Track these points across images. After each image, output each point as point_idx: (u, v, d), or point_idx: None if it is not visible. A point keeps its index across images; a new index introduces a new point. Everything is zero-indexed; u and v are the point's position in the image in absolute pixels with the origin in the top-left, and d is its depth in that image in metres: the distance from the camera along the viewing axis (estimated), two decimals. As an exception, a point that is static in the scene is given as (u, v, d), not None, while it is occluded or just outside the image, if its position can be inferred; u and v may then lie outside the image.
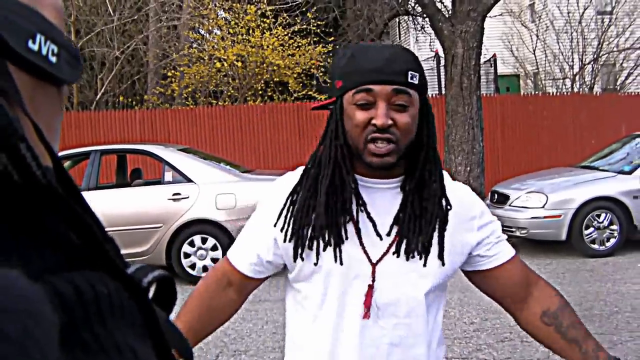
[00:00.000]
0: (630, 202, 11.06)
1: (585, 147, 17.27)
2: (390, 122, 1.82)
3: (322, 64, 20.68)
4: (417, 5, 17.46)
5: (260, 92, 19.76)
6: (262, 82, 19.64)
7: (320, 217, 1.90)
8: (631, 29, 22.21)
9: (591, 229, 10.94)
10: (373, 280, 1.92)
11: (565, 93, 20.09)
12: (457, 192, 2.05)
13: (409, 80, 1.86)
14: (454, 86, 14.42)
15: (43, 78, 0.63)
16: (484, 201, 12.15)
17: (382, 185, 1.95)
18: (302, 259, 1.96)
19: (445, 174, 2.02)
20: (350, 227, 1.92)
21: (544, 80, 23.89)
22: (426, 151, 1.93)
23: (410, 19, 22.56)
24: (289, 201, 2.01)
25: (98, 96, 18.90)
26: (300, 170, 2.11)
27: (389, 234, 1.93)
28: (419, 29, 22.34)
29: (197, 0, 19.87)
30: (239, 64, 18.83)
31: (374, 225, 1.91)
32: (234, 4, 19.77)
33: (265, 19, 19.61)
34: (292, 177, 2.11)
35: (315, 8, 21.61)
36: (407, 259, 1.92)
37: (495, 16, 19.54)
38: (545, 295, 2.18)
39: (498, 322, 7.48)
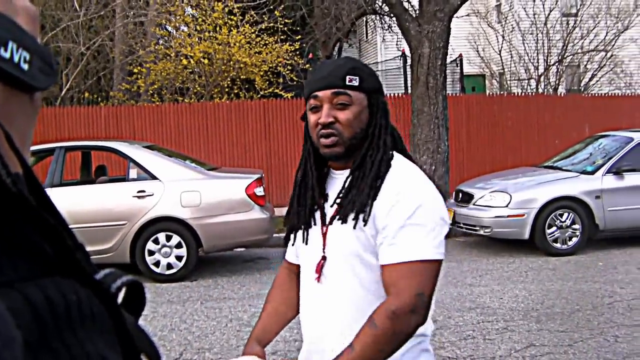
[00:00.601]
0: (592, 201, 11.20)
1: (549, 147, 17.42)
2: (331, 119, 2.23)
3: (288, 62, 20.65)
4: (384, 4, 17.51)
5: (226, 90, 19.68)
6: (229, 79, 19.57)
7: (292, 206, 2.40)
8: (595, 31, 22.44)
9: (554, 228, 11.06)
10: (324, 248, 2.31)
11: (530, 93, 20.27)
12: (402, 181, 2.26)
13: (347, 83, 2.23)
14: (420, 85, 14.50)
15: (15, 86, 0.63)
16: (448, 200, 12.25)
17: (341, 174, 2.34)
18: (293, 243, 2.49)
19: (407, 166, 2.33)
20: (317, 213, 2.35)
21: (509, 81, 24.07)
22: (370, 140, 2.27)
23: (378, 18, 22.66)
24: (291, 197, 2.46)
25: (63, 92, 18.74)
26: None
27: (331, 206, 2.32)
28: (386, 28, 22.44)
29: (164, -3, 19.80)
30: (206, 61, 18.75)
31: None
32: (202, 1, 19.69)
33: (232, 17, 19.53)
34: None
35: (282, 6, 21.59)
36: (342, 223, 2.25)
37: (462, 16, 19.66)
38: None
39: (461, 320, 7.54)
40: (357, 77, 2.24)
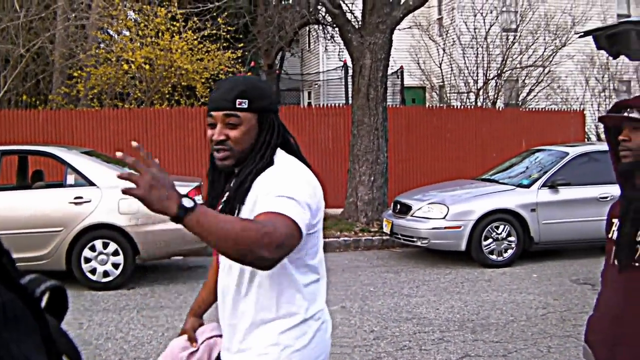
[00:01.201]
0: (528, 214, 11.39)
1: (487, 160, 17.67)
2: (222, 137, 2.60)
3: (230, 69, 20.60)
4: (327, 15, 17.59)
5: (167, 96, 19.56)
6: (170, 85, 19.45)
7: (207, 201, 2.79)
8: (534, 47, 22.83)
9: (490, 240, 11.22)
10: None
11: (469, 107, 20.55)
12: (276, 176, 2.56)
13: (237, 106, 2.57)
14: (361, 97, 14.61)
15: None
16: (387, 210, 12.34)
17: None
18: None
19: (286, 167, 2.63)
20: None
21: (449, 94, 24.34)
22: (256, 152, 2.62)
23: (321, 28, 22.74)
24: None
25: (0, 94, 18.41)
26: None
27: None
28: (329, 38, 22.55)
29: (106, 0, 19.56)
30: (147, 66, 18.59)
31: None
32: (145, 6, 19.55)
33: (175, 23, 19.42)
34: None
35: (226, 13, 21.53)
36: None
37: (404, 29, 19.86)
38: None
39: (398, 331, 7.60)
40: (245, 100, 2.57)
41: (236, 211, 2.58)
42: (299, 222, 2.37)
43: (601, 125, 23.32)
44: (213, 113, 2.60)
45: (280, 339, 2.58)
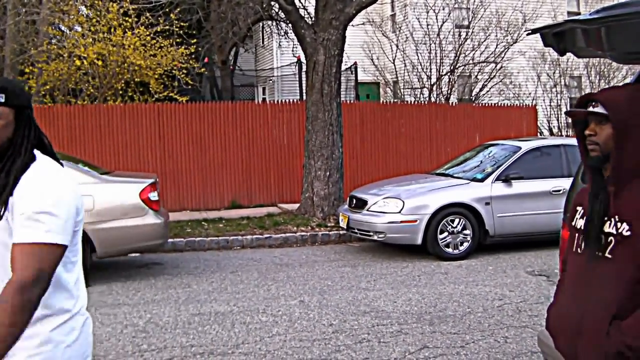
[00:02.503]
0: (482, 208, 11.51)
1: (441, 155, 17.85)
2: None
3: (184, 65, 20.48)
4: (280, 11, 17.59)
5: (120, 92, 19.40)
6: (123, 81, 19.27)
7: None
8: (486, 43, 23.05)
9: (445, 234, 11.32)
10: None
11: (422, 102, 20.67)
12: (36, 178, 2.65)
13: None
14: (315, 92, 14.64)
15: None
16: (343, 205, 12.41)
17: None
18: None
19: (45, 167, 2.72)
20: None
21: (402, 89, 24.48)
22: (13, 148, 2.69)
23: (274, 24, 22.72)
24: None
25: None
26: None
27: None
28: (283, 34, 22.54)
29: (57, -5, 19.34)
30: (100, 62, 18.41)
31: None
32: (96, 1, 19.35)
33: (127, 18, 19.26)
34: None
35: (179, 9, 21.41)
36: None
37: (357, 25, 19.94)
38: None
39: (356, 324, 7.64)
40: (2, 95, 2.64)
41: (3, 214, 2.63)
42: (57, 240, 2.57)
43: (553, 120, 23.69)
44: None
45: (52, 336, 2.68)
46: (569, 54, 4.43)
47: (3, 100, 2.65)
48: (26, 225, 2.53)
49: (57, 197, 2.63)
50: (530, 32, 4.58)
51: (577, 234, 2.99)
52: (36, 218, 2.55)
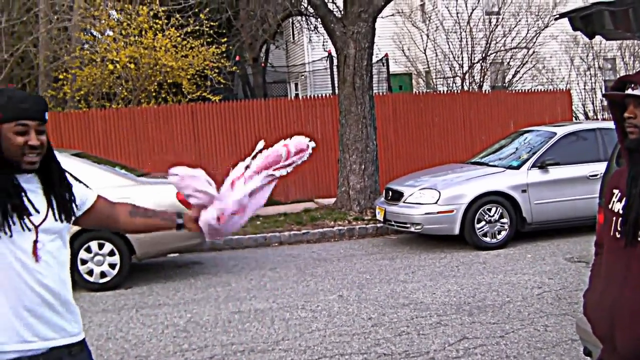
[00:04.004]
0: (519, 196, 11.45)
1: (476, 144, 17.75)
2: (38, 142, 2.89)
3: (215, 64, 20.59)
4: (309, 6, 17.59)
5: (154, 94, 19.55)
6: (156, 83, 19.43)
7: None
8: (517, 29, 22.86)
9: (482, 223, 11.27)
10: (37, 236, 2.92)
11: (455, 91, 20.57)
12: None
13: (46, 118, 2.93)
14: (347, 86, 14.63)
15: None
16: (379, 198, 12.42)
17: (23, 177, 2.95)
18: None
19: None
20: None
21: (435, 79, 24.38)
22: (51, 153, 3.06)
23: (304, 19, 22.74)
24: None
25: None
26: None
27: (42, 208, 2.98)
28: (312, 29, 22.54)
29: (88, 1, 19.51)
30: (132, 65, 18.56)
31: (32, 204, 2.92)
32: (126, 5, 19.50)
33: (157, 20, 19.38)
34: None
35: (208, 9, 21.52)
36: (60, 220, 3.02)
37: (387, 16, 19.89)
38: (122, 206, 3.42)
39: (395, 317, 7.64)
40: (46, 112, 2.96)
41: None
42: None
43: (588, 104, 23.44)
44: (29, 122, 2.87)
45: None
46: (599, 37, 4.40)
47: (47, 118, 2.96)
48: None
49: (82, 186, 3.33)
50: (558, 16, 4.55)
51: (614, 218, 2.95)
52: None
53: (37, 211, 2.91)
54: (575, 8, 4.18)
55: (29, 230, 2.87)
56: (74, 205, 3.13)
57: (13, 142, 2.83)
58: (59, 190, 3.05)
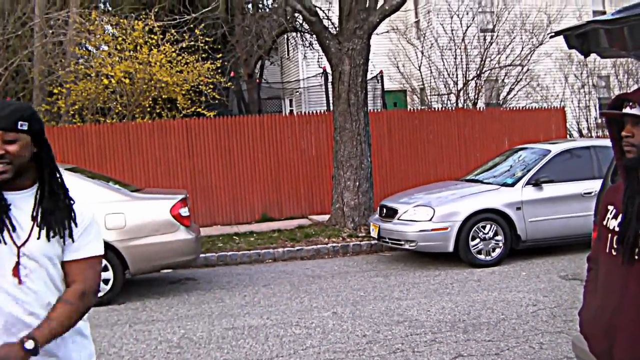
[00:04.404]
0: (514, 213, 11.44)
1: (470, 161, 17.76)
2: (1, 152, 2.81)
3: (210, 80, 20.59)
4: (304, 22, 17.62)
5: (148, 109, 19.53)
6: (150, 99, 19.40)
7: None
8: (511, 46, 22.94)
9: (477, 240, 11.26)
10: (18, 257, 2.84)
11: (450, 108, 20.60)
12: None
13: (19, 127, 2.85)
14: (342, 102, 14.65)
15: None
16: (373, 215, 12.39)
17: (19, 194, 2.93)
18: None
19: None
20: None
21: (429, 96, 24.41)
22: (49, 168, 3.00)
23: (299, 35, 22.78)
24: None
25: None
26: None
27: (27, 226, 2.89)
28: (307, 45, 22.60)
29: (83, 16, 19.52)
30: (127, 80, 18.54)
31: (11, 222, 2.86)
32: (122, 20, 19.51)
33: (153, 36, 19.38)
34: None
35: (203, 24, 21.55)
36: (48, 240, 2.90)
37: (382, 33, 19.93)
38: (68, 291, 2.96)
39: (390, 334, 7.61)
40: (27, 123, 2.88)
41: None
42: (102, 251, 3.16)
43: (582, 121, 23.50)
44: None
45: None
46: (594, 55, 4.41)
47: (26, 128, 2.87)
48: (84, 239, 3.01)
49: (91, 208, 3.12)
50: (553, 34, 4.56)
51: (609, 235, 2.94)
52: (89, 231, 3.04)
53: (17, 229, 2.85)
54: (571, 26, 4.18)
55: (11, 250, 2.82)
56: (70, 225, 2.98)
57: None
58: (49, 205, 2.92)
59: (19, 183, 2.92)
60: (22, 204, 2.90)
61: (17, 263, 2.82)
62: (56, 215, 2.92)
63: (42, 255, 2.87)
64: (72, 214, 2.99)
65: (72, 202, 3.02)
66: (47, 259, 2.89)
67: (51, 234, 2.89)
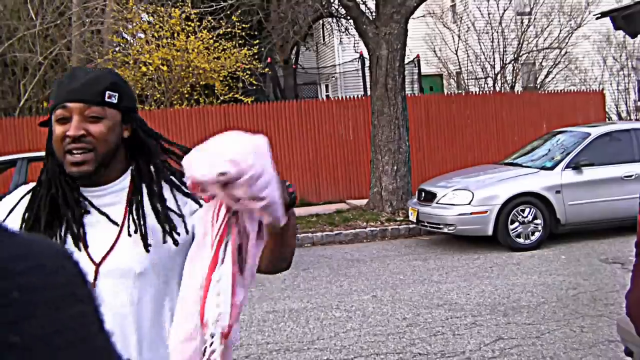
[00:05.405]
0: (553, 196, 11.39)
1: (508, 145, 17.67)
2: (82, 132, 2.03)
3: (247, 66, 20.66)
4: (341, 7, 17.62)
5: (186, 96, 19.65)
6: (188, 85, 19.52)
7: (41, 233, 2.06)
8: (549, 29, 22.75)
9: (516, 224, 11.23)
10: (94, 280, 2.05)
11: (487, 92, 20.50)
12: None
13: (106, 99, 2.07)
14: (379, 87, 14.64)
15: None
16: (412, 199, 12.39)
17: (103, 191, 2.16)
18: None
19: None
20: (70, 239, 2.09)
21: (466, 80, 24.31)
22: (146, 159, 2.21)
23: (335, 21, 22.78)
24: (24, 221, 2.14)
25: (21, 102, 18.57)
26: (25, 188, 2.27)
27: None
28: (343, 30, 22.58)
29: (120, 4, 19.67)
30: (165, 67, 18.67)
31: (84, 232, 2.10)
32: (158, 8, 19.63)
33: (189, 23, 19.48)
34: (20, 195, 2.24)
35: (239, 11, 21.59)
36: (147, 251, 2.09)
37: (418, 17, 19.86)
38: None
39: (430, 317, 7.65)
40: (116, 94, 2.11)
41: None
42: None
43: (621, 104, 23.24)
44: (70, 104, 2.06)
45: None
46: (638, 36, 4.39)
47: (115, 101, 2.10)
48: None
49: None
50: (599, 15, 4.55)
51: None
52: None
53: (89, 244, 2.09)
54: (618, 7, 4.17)
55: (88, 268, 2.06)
56: (171, 227, 2.14)
57: (54, 135, 2.08)
58: (140, 208, 2.13)
59: (105, 175, 2.16)
60: (107, 203, 2.16)
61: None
62: (145, 216, 2.14)
63: (134, 275, 2.09)
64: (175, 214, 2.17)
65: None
66: (137, 278, 2.09)
67: (143, 243, 2.09)
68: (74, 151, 2.04)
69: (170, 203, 2.17)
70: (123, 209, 2.14)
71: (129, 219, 2.12)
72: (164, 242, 2.11)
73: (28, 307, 0.59)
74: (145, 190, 2.17)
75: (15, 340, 0.57)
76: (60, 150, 2.06)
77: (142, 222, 2.11)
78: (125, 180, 2.18)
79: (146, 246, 2.08)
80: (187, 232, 2.13)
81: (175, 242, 2.11)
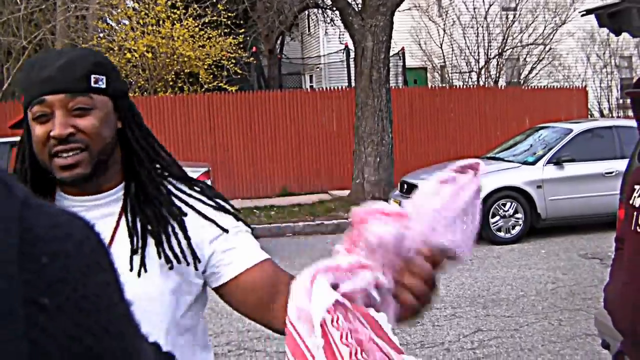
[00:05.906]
0: (534, 191, 11.46)
1: (491, 139, 17.74)
2: (69, 130, 1.64)
3: (232, 55, 20.65)
4: (327, -2, 17.62)
5: (170, 83, 19.63)
6: (173, 73, 19.51)
7: None
8: (534, 25, 22.87)
9: (497, 218, 11.30)
10: None
11: (471, 86, 20.58)
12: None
13: (92, 85, 1.68)
14: (364, 79, 14.67)
15: None
16: (394, 191, 12.41)
17: (97, 201, 1.77)
18: None
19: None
20: None
21: (450, 74, 24.38)
22: (138, 155, 1.83)
23: (320, 11, 22.77)
24: None
25: (4, 87, 18.47)
26: None
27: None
28: (329, 21, 22.58)
29: (106, -10, 19.61)
30: (149, 55, 18.64)
31: None
32: (144, -5, 19.59)
33: (175, 10, 19.44)
34: None
35: (225, 0, 21.57)
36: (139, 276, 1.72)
37: (404, 10, 19.89)
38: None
39: (410, 308, 7.68)
40: (104, 77, 1.71)
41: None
42: None
43: (604, 102, 23.40)
44: (49, 97, 1.66)
45: None
46: (621, 34, 4.43)
47: (103, 85, 1.70)
48: (242, 241, 1.84)
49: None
50: (584, 12, 4.58)
51: (635, 213, 2.98)
52: (239, 229, 1.86)
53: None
54: (603, 5, 4.20)
55: None
56: (178, 247, 1.76)
57: (34, 136, 1.69)
58: (142, 219, 1.77)
59: (102, 182, 1.77)
60: (100, 214, 1.76)
61: None
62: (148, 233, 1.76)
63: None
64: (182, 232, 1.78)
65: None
66: (152, 301, 1.72)
67: (143, 267, 1.74)
68: (63, 154, 1.65)
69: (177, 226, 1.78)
70: (114, 222, 1.76)
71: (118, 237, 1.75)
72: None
73: (57, 272, 0.63)
74: (141, 208, 1.77)
75: (45, 302, 0.61)
76: (45, 154, 1.67)
77: (138, 245, 1.74)
78: (121, 191, 1.80)
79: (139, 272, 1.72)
80: (197, 261, 1.79)
81: (171, 267, 1.74)
